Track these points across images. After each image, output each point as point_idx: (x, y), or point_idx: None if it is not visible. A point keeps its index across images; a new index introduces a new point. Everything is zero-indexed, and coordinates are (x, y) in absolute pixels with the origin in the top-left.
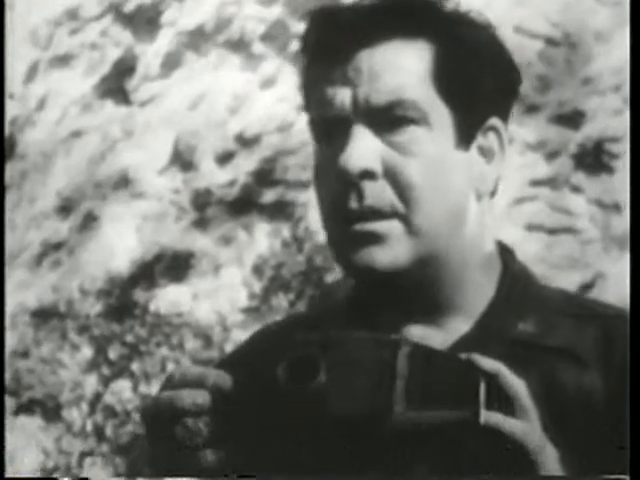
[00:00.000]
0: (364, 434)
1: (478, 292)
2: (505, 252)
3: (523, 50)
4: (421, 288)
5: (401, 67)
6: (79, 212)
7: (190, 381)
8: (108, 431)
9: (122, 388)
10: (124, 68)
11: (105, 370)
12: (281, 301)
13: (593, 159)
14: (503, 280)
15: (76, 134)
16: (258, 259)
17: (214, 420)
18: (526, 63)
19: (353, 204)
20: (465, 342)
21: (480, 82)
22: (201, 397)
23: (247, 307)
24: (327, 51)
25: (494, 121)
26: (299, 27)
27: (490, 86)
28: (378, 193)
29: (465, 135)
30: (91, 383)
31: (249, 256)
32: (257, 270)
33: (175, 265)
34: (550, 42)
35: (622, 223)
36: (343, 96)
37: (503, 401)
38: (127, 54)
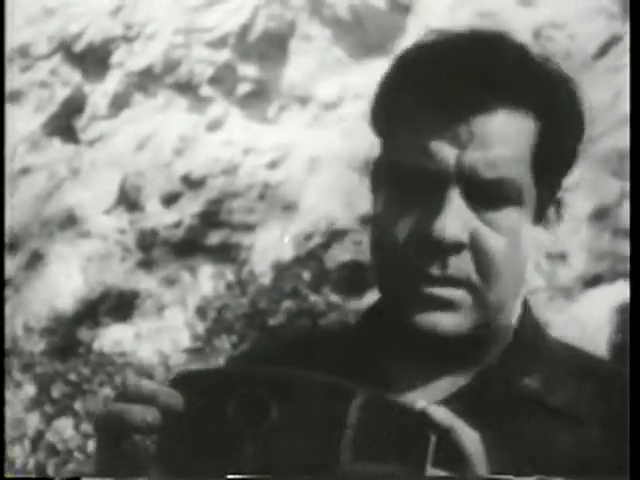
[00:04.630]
0: None
1: (495, 345)
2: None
3: None
4: (454, 344)
5: (512, 142)
6: (25, 250)
7: (143, 396)
8: (49, 470)
9: (64, 427)
10: (73, 107)
11: (48, 408)
12: (224, 343)
13: None
14: (515, 333)
15: (24, 172)
16: (202, 301)
17: (162, 440)
18: None
19: (435, 271)
20: (465, 391)
21: (566, 157)
22: (151, 415)
23: (190, 348)
24: (439, 103)
25: (561, 194)
26: (247, 71)
27: (570, 158)
28: (459, 263)
29: (541, 210)
30: (34, 421)
31: (193, 298)
32: (200, 312)
33: (119, 305)
34: None
35: (568, 273)
36: (448, 154)
37: (455, 456)
38: (76, 93)
